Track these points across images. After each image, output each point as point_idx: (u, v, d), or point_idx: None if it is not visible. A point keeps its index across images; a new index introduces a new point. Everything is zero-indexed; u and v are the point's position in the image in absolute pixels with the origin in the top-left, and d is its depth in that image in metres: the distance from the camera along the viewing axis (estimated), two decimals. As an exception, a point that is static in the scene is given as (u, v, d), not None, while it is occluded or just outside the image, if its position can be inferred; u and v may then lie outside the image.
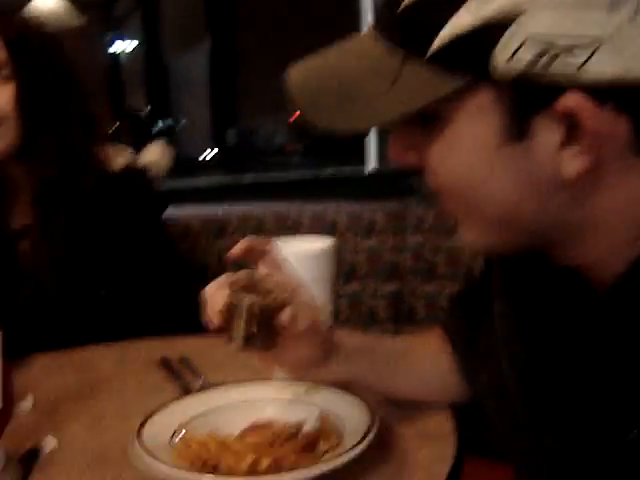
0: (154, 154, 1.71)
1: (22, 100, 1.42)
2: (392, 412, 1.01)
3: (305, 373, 0.98)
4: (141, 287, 1.53)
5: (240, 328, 0.84)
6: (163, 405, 0.98)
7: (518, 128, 0.62)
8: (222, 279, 0.90)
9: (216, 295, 0.87)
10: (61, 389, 1.20)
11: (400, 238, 1.95)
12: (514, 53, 0.58)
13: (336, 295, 1.18)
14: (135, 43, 10.04)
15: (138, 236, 1.54)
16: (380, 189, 2.47)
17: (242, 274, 0.89)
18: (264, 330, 0.85)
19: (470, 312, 1.03)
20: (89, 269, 1.47)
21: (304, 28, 5.15)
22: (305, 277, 0.95)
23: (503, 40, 0.58)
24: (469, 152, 0.65)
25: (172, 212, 1.82)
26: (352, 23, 3.13)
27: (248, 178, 2.98)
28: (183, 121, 9.03)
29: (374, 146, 2.78)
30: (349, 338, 0.99)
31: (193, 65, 7.91)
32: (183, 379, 1.19)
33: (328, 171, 2.92)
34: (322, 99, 0.66)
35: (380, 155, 2.74)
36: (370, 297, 1.96)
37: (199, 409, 0.99)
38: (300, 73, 0.69)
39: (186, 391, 1.13)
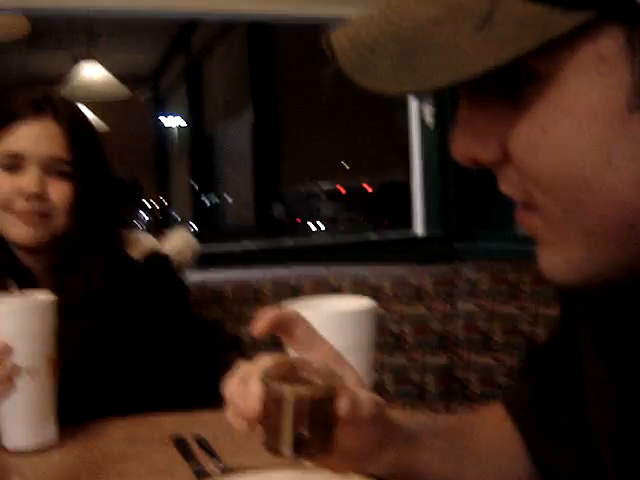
0: (176, 242, 1.58)
1: (75, 199, 1.37)
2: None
3: (359, 467, 0.77)
4: (160, 365, 1.43)
5: (286, 431, 0.64)
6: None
7: None
8: (247, 368, 0.70)
9: (246, 390, 0.67)
10: (58, 471, 1.05)
11: (450, 305, 1.79)
12: None
13: (375, 367, 1.01)
14: (180, 118, 10.21)
15: (160, 324, 1.44)
16: (427, 254, 2.31)
17: (273, 360, 0.70)
18: (317, 429, 0.65)
19: (540, 385, 0.86)
20: (108, 347, 1.37)
21: (346, 98, 5.11)
22: (339, 345, 0.77)
23: None
24: (581, 123, 0.46)
25: (203, 277, 1.70)
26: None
27: (286, 242, 2.85)
28: (227, 197, 9.08)
29: (420, 210, 2.63)
30: (405, 419, 0.80)
31: (236, 136, 7.96)
32: (198, 462, 1.03)
33: (372, 236, 2.78)
34: (378, 55, 0.48)
35: (427, 219, 2.59)
36: (417, 371, 1.79)
37: (214, 499, 0.83)
38: (346, 29, 0.52)
39: (201, 476, 0.98)
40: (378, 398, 0.72)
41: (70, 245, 1.37)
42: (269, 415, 0.66)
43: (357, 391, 0.69)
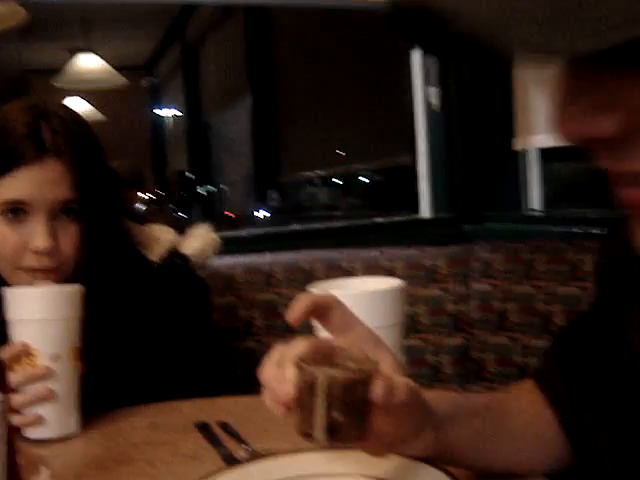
0: (198, 241, 1.50)
1: (85, 234, 1.27)
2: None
3: (394, 451, 0.76)
4: (178, 360, 1.38)
5: (319, 416, 0.64)
6: (202, 478, 0.81)
7: None
8: (283, 351, 0.70)
9: (280, 375, 0.67)
10: (84, 460, 1.05)
11: (465, 285, 1.77)
12: None
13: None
14: (177, 107, 10.16)
15: (178, 325, 1.39)
16: (436, 236, 2.30)
17: (307, 344, 0.69)
18: (351, 414, 0.64)
19: (574, 363, 0.85)
20: (128, 340, 1.32)
21: (345, 84, 5.08)
22: (373, 325, 0.76)
23: None
24: None
25: (214, 262, 1.68)
26: (398, 77, 2.99)
27: (295, 227, 2.84)
28: (224, 187, 9.06)
29: (427, 193, 2.62)
30: (440, 400, 0.80)
31: (234, 124, 7.93)
32: (224, 447, 1.02)
33: (377, 220, 2.76)
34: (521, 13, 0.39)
35: (434, 202, 2.58)
36: (433, 352, 1.78)
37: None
38: None
39: (229, 461, 0.96)
40: (412, 383, 0.71)
41: (80, 276, 1.26)
42: (303, 400, 0.65)
43: (392, 376, 0.68)
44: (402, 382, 0.68)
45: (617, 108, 0.44)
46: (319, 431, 0.64)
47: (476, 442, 0.81)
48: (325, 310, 0.73)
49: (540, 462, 0.87)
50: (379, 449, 0.74)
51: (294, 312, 0.71)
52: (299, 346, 0.69)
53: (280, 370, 0.68)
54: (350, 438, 0.66)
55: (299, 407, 0.66)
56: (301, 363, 0.65)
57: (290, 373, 0.66)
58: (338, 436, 0.65)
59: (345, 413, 0.64)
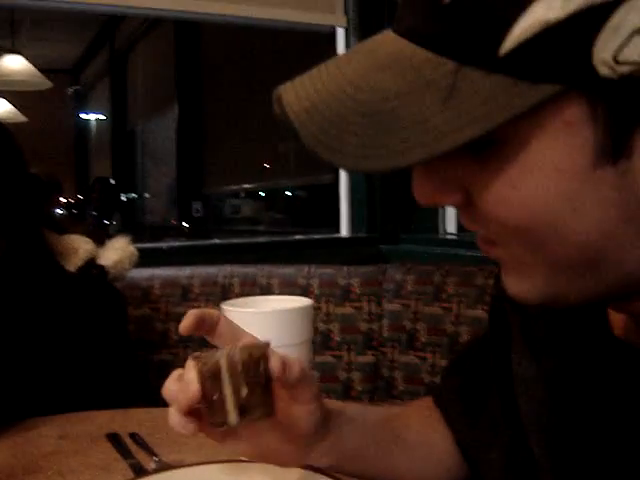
0: (116, 253, 1.53)
1: None
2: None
3: (300, 455, 0.79)
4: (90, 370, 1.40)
5: (229, 397, 0.68)
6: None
7: (615, 146, 0.47)
8: (179, 371, 0.73)
9: (182, 384, 0.70)
10: (-9, 469, 1.03)
11: (377, 305, 1.83)
12: (618, 52, 0.44)
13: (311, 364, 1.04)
14: (103, 112, 10.02)
15: (92, 335, 1.40)
16: (353, 255, 2.35)
17: (206, 356, 0.72)
18: (255, 391, 0.69)
19: (469, 383, 0.90)
20: (38, 348, 1.32)
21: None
22: (279, 341, 0.80)
23: (603, 36, 0.44)
24: (549, 180, 0.49)
25: (131, 274, 1.69)
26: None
27: (215, 241, 2.85)
28: (146, 195, 8.97)
29: (346, 212, 2.67)
30: (343, 408, 0.83)
31: (160, 134, 7.87)
32: (134, 458, 1.03)
33: (297, 237, 2.80)
34: (342, 131, 0.48)
35: (353, 221, 2.63)
36: (344, 369, 1.82)
37: (153, 494, 0.84)
38: (300, 98, 0.51)
39: (138, 472, 0.98)
40: (305, 364, 0.75)
41: None
42: (209, 393, 0.68)
43: (285, 355, 0.72)
44: (294, 359, 0.72)
45: (454, 187, 0.54)
46: (231, 412, 0.68)
47: (372, 451, 0.85)
48: (211, 324, 0.77)
49: (436, 475, 0.91)
50: (284, 455, 0.78)
51: (183, 323, 0.75)
52: (202, 358, 0.73)
53: (182, 382, 0.71)
54: (260, 415, 0.70)
55: (207, 403, 0.69)
56: (200, 357, 0.69)
57: (191, 374, 0.69)
58: (248, 415, 0.69)
59: (250, 390, 0.68)
